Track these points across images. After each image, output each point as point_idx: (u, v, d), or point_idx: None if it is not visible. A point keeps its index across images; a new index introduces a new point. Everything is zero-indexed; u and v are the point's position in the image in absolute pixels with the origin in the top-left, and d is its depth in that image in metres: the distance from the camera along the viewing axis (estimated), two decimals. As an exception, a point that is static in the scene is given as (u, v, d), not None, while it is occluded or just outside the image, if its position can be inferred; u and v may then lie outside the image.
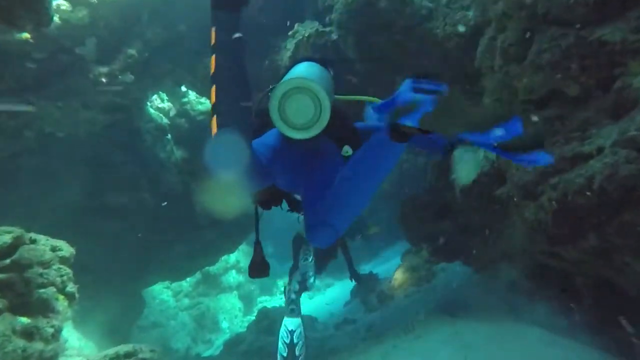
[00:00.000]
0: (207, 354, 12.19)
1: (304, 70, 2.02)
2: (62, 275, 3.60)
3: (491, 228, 4.66)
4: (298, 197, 2.41)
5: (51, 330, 3.22)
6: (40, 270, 3.38)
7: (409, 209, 7.37)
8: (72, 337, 6.27)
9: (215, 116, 1.74)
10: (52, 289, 3.43)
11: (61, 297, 3.53)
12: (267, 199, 2.35)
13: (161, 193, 8.60)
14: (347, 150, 2.12)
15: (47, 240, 3.75)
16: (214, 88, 1.77)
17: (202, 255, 10.16)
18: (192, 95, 10.43)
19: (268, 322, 10.18)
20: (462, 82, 5.41)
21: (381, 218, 13.63)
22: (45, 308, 3.30)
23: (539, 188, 3.21)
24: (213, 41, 1.79)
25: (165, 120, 9.86)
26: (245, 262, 15.78)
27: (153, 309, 12.91)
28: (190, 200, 9.37)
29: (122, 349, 3.65)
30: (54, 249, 3.71)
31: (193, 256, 9.85)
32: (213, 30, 1.80)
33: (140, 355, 3.59)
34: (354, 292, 11.19)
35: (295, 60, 2.23)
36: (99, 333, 7.39)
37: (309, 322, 10.34)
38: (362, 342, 7.25)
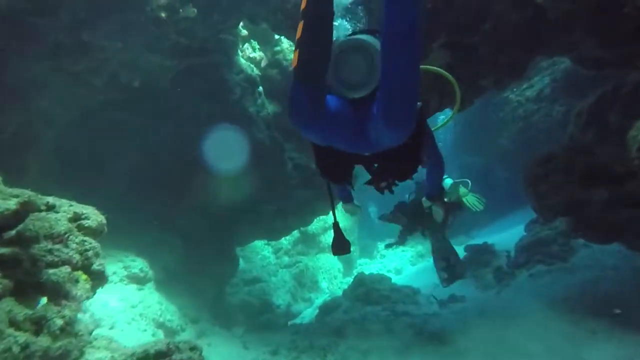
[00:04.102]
0: (306, 312, 12.08)
1: (359, 35, 2.20)
2: (85, 250, 2.89)
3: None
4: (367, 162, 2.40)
5: (60, 322, 2.54)
6: (50, 245, 2.72)
7: (540, 170, 5.74)
8: (152, 300, 6.01)
9: (297, 51, 1.91)
10: (66, 269, 2.76)
11: (83, 277, 2.87)
12: (333, 168, 2.40)
13: (249, 150, 7.96)
14: None
15: (71, 206, 3.05)
16: (301, 24, 1.88)
17: (295, 216, 9.51)
18: (285, 43, 9.51)
19: (364, 289, 9.44)
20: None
21: (498, 180, 11.74)
22: (55, 293, 2.65)
23: None
24: None
25: (256, 71, 9.11)
26: (344, 222, 15.24)
27: (255, 264, 13.07)
28: (280, 158, 8.66)
29: (154, 347, 2.94)
30: (76, 218, 3.03)
31: (285, 216, 9.25)
32: None
33: (175, 356, 2.85)
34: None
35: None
36: (187, 294, 7.17)
37: (409, 294, 9.31)
38: (474, 329, 5.96)
